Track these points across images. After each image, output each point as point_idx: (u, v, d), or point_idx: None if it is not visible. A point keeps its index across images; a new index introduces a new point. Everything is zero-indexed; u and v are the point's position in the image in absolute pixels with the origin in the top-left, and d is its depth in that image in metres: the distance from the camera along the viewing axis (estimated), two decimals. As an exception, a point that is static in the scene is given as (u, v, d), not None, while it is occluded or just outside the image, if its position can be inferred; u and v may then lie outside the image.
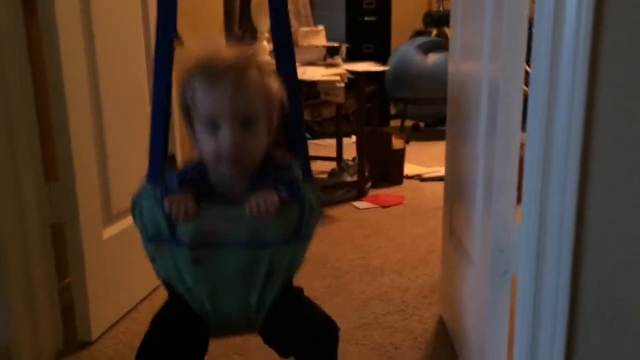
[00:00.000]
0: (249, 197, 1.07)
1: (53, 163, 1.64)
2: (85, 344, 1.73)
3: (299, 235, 1.14)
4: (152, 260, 1.17)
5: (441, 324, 1.83)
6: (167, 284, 1.20)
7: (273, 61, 1.18)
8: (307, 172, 1.19)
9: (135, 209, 1.12)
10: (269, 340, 1.27)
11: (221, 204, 1.11)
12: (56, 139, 1.61)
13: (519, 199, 1.15)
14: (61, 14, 1.56)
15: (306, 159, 1.20)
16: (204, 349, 1.21)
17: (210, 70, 1.08)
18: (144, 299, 2.00)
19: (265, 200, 1.06)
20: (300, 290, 1.27)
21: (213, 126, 1.08)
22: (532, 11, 1.08)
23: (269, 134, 1.14)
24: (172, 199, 1.07)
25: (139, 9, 1.95)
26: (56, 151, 1.62)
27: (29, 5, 1.55)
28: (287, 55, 1.20)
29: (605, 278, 1.00)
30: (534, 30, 1.02)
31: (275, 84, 1.13)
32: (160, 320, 1.19)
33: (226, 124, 1.07)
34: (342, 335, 1.74)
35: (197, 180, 1.12)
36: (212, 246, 1.09)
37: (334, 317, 1.83)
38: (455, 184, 1.71)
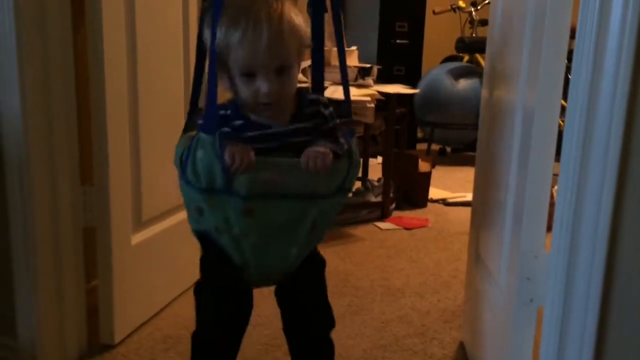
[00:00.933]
0: (305, 152, 1.13)
1: (90, 167, 1.68)
2: (108, 347, 1.75)
3: (343, 188, 1.21)
4: (198, 212, 1.17)
5: (461, 350, 1.82)
6: (207, 238, 1.21)
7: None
8: (351, 129, 1.24)
9: (187, 159, 1.12)
10: (279, 295, 1.33)
11: (277, 157, 1.15)
12: (94, 143, 1.65)
13: (548, 228, 1.16)
14: (107, 26, 1.61)
15: (350, 114, 1.27)
16: (251, 300, 1.26)
17: (244, 20, 1.10)
18: (167, 305, 2.02)
19: (322, 156, 1.12)
20: (324, 263, 1.33)
21: (249, 74, 1.13)
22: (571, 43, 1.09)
23: (299, 70, 1.20)
24: (233, 150, 1.09)
25: (179, 20, 2.00)
26: (93, 155, 1.66)
27: (77, 11, 1.59)
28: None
29: (636, 313, 1.00)
30: (572, 64, 1.03)
31: (304, 23, 1.17)
32: (210, 273, 1.25)
33: (262, 73, 1.12)
34: (360, 355, 1.76)
35: (234, 118, 1.17)
36: (266, 197, 1.13)
37: (353, 336, 1.86)
38: (483, 209, 1.72)
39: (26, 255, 1.52)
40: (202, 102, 1.21)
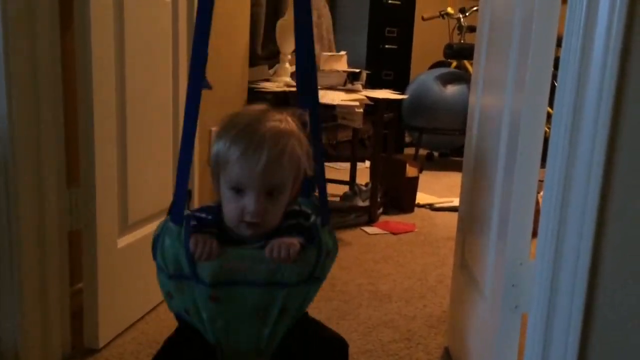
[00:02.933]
0: (271, 242, 1.12)
1: (76, 169, 1.66)
2: (92, 351, 1.74)
3: (313, 276, 1.17)
4: (169, 296, 1.20)
5: (447, 356, 1.82)
6: (181, 318, 1.23)
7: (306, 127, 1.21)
8: (326, 215, 1.21)
9: (157, 246, 1.15)
10: None
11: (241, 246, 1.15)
12: (81, 145, 1.64)
13: (534, 234, 1.16)
14: (96, 29, 1.60)
15: (325, 202, 1.22)
16: None
17: (247, 140, 1.10)
18: (152, 309, 2.01)
19: (287, 247, 1.11)
20: (304, 314, 1.29)
21: (238, 190, 1.12)
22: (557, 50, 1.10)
23: (291, 196, 1.18)
24: (197, 239, 1.10)
25: (169, 27, 2.00)
26: (80, 157, 1.65)
27: (65, 12, 1.58)
28: (311, 86, 1.24)
29: (619, 321, 1.01)
30: (558, 72, 1.04)
31: (305, 153, 1.15)
32: (172, 346, 1.22)
33: (252, 193, 1.11)
34: (346, 360, 1.76)
35: (214, 227, 1.16)
36: (231, 285, 1.13)
37: (340, 341, 1.85)
38: (469, 215, 1.72)
39: (10, 257, 1.51)
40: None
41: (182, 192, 1.15)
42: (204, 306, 1.15)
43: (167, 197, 1.23)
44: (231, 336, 1.19)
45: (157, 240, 1.15)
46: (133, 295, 1.90)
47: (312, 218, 1.20)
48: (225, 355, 1.22)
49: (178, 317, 1.24)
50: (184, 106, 1.12)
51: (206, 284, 1.11)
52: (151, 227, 1.93)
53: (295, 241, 1.12)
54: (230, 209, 1.14)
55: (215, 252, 1.10)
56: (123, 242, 1.82)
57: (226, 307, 1.15)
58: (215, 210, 1.18)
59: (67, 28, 1.61)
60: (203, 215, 1.18)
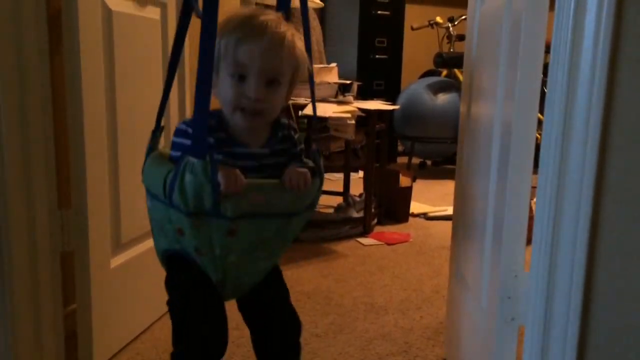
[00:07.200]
0: (287, 172, 1.19)
1: (67, 190, 1.65)
2: (87, 373, 1.72)
3: (312, 205, 1.27)
4: (181, 233, 1.18)
5: (445, 367, 1.81)
6: (182, 259, 1.23)
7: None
8: (317, 150, 1.31)
9: (174, 183, 1.11)
10: (247, 311, 1.38)
11: (257, 178, 1.19)
12: (72, 165, 1.63)
13: (528, 241, 1.15)
14: (85, 50, 1.59)
15: (316, 129, 1.37)
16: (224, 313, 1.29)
17: (251, 25, 1.14)
18: (147, 328, 1.99)
19: (303, 175, 1.19)
20: (279, 270, 1.39)
21: (240, 76, 1.14)
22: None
23: (287, 96, 1.23)
24: (227, 173, 1.10)
25: (159, 45, 2.00)
26: (71, 178, 1.64)
27: (54, 33, 1.58)
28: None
29: (615, 332, 1.00)
30: (547, 78, 1.04)
31: (303, 50, 1.20)
32: (188, 284, 1.26)
33: (253, 77, 1.14)
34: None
35: (217, 130, 1.18)
36: (251, 218, 1.16)
37: (337, 356, 1.84)
38: (463, 225, 1.71)
39: (2, 280, 1.49)
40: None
41: (203, 125, 1.11)
42: (220, 241, 1.16)
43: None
44: (239, 271, 1.24)
45: (174, 178, 1.11)
46: (127, 315, 1.88)
47: (297, 134, 1.29)
48: (224, 291, 1.26)
49: (177, 259, 1.25)
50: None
51: (227, 218, 1.13)
52: (145, 246, 1.93)
53: (307, 171, 1.20)
54: (228, 95, 1.16)
55: (242, 184, 1.12)
56: (116, 261, 1.80)
57: (241, 241, 1.18)
58: (216, 114, 1.20)
59: (56, 48, 1.60)
60: (212, 120, 1.18)
